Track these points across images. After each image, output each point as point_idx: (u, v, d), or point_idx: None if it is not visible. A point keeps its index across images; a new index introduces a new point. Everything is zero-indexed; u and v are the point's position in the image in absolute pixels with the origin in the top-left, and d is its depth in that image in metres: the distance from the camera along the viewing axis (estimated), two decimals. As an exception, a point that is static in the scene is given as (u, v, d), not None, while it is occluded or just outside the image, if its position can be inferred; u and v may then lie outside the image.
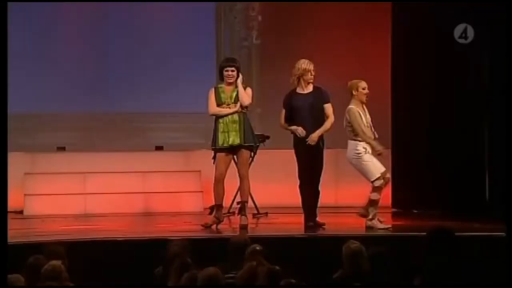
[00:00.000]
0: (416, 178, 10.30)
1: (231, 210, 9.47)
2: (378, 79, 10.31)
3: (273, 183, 10.29)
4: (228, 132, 8.30)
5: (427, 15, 10.25)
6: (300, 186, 8.39)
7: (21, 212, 9.87)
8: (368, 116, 8.34)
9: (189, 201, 10.33)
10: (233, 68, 8.38)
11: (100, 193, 10.19)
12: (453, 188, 10.08)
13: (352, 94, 8.33)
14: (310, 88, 8.41)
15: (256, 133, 9.86)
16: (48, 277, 5.10)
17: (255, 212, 9.55)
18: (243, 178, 8.37)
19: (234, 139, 8.29)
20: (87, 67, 10.73)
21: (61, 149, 10.62)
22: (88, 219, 9.57)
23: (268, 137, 9.73)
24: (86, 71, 10.74)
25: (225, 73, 8.37)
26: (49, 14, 10.68)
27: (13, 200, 9.98)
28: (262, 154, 9.53)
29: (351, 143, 8.26)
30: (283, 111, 8.47)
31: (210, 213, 8.47)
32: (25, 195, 9.95)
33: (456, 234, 5.66)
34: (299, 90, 8.42)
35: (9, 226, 8.64)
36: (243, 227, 8.27)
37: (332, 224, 8.54)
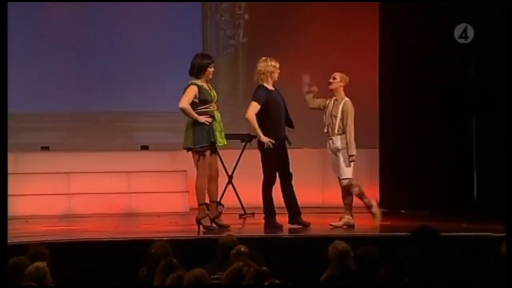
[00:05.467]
0: (404, 178, 10.34)
1: (248, 211, 9.47)
2: (365, 78, 10.37)
3: (259, 183, 10.30)
4: (220, 131, 8.30)
5: (415, 12, 10.28)
6: (269, 187, 8.34)
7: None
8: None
9: (175, 201, 10.32)
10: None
11: (84, 193, 10.17)
12: (441, 188, 10.12)
13: (341, 87, 8.42)
14: (272, 86, 8.44)
15: (242, 132, 9.92)
16: (31, 278, 5.09)
17: (242, 212, 9.57)
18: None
19: (223, 140, 8.30)
20: (71, 66, 10.73)
21: (45, 148, 10.59)
22: (73, 219, 9.56)
23: (254, 137, 9.72)
24: (71, 70, 10.74)
25: (210, 70, 8.34)
26: (34, 14, 10.67)
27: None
28: (248, 154, 9.58)
29: (341, 137, 8.32)
30: (255, 104, 8.31)
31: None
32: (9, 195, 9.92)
33: (443, 234, 5.69)
34: (268, 87, 8.41)
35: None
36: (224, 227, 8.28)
37: (318, 224, 8.57)
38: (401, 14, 10.38)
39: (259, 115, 8.31)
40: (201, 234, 8.08)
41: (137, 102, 10.76)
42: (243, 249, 5.72)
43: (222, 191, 9.55)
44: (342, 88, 8.51)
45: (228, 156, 9.69)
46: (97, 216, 9.74)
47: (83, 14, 10.74)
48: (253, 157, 9.78)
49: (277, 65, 8.41)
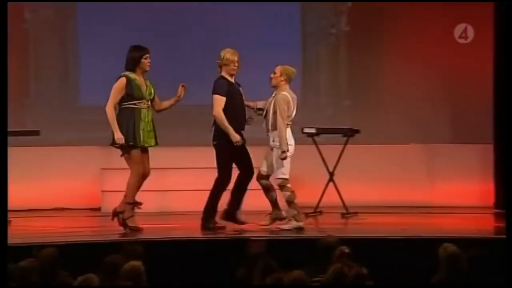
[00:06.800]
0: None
1: (317, 210, 9.54)
2: (477, 72, 10.20)
3: (362, 181, 10.30)
4: (148, 131, 8.26)
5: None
6: (222, 188, 8.31)
7: (98, 209, 10.14)
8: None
9: (254, 199, 10.38)
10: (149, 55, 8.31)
11: (179, 190, 10.35)
12: None
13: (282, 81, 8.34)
14: (232, 79, 8.37)
15: (344, 127, 9.91)
16: (126, 277, 5.24)
17: (344, 211, 9.58)
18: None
19: (151, 140, 8.31)
20: (168, 58, 10.88)
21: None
22: (167, 217, 9.76)
23: (357, 131, 9.72)
24: (166, 62, 10.89)
25: (145, 62, 8.23)
26: (117, 8, 10.87)
27: (90, 197, 10.30)
28: (350, 150, 9.56)
29: (274, 133, 8.26)
30: (222, 99, 8.19)
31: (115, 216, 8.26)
32: (102, 191, 10.23)
33: None
34: (228, 79, 8.32)
35: (86, 224, 8.98)
36: None
37: (426, 225, 8.51)
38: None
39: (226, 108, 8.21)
40: (301, 235, 8.13)
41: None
42: (346, 250, 5.76)
43: (323, 189, 9.60)
44: (284, 82, 8.36)
45: (329, 151, 9.69)
46: (192, 213, 9.89)
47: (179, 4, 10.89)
48: (356, 152, 9.81)
49: (232, 57, 8.27)
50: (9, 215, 9.32)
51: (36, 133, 9.61)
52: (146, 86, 8.29)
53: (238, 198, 8.40)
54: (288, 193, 8.31)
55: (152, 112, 8.36)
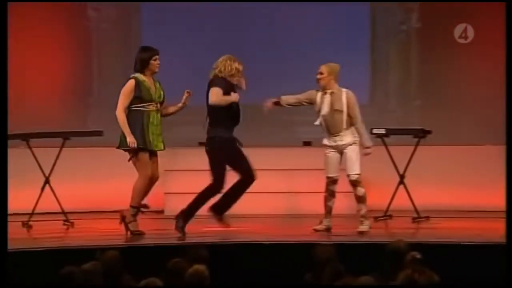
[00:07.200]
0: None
1: (387, 214, 9.46)
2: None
3: (434, 183, 10.18)
4: (158, 135, 8.25)
5: None
6: (214, 193, 8.24)
7: (162, 211, 10.20)
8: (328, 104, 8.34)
9: (339, 202, 10.33)
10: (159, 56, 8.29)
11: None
12: None
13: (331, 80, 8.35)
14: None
15: (415, 127, 9.81)
16: (192, 282, 5.25)
17: (415, 215, 9.48)
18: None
19: (160, 144, 8.31)
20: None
21: (202, 144, 10.84)
22: (231, 220, 9.76)
23: (429, 132, 9.62)
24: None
25: (154, 63, 8.22)
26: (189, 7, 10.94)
27: (153, 199, 10.34)
28: (421, 151, 9.46)
29: (351, 130, 8.28)
30: (218, 90, 8.11)
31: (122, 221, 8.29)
32: (165, 193, 10.28)
33: None
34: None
35: (149, 226, 9.03)
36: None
37: (502, 230, 8.36)
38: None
39: (217, 109, 8.13)
40: (369, 239, 8.08)
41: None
42: (418, 255, 5.69)
43: (392, 192, 9.51)
44: (334, 81, 8.38)
45: (399, 153, 9.60)
46: (256, 216, 9.92)
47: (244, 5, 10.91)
48: (428, 154, 9.71)
49: (240, 67, 8.26)
50: (73, 216, 9.50)
51: (99, 133, 9.71)
52: (156, 88, 8.30)
53: (232, 200, 8.38)
54: (363, 190, 8.35)
55: (160, 115, 8.34)
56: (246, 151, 10.57)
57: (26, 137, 9.54)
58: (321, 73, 8.42)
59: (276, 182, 10.47)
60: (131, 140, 8.13)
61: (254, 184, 8.43)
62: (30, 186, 9.63)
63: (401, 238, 6.86)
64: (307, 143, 10.99)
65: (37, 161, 9.42)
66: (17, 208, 9.90)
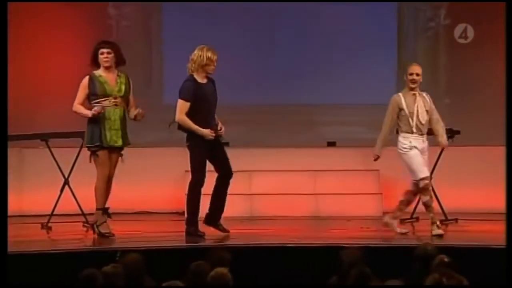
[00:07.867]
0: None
1: (414, 216, 9.47)
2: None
3: (462, 185, 10.17)
4: (116, 130, 8.21)
5: None
6: (197, 188, 8.25)
7: (183, 213, 10.24)
8: (421, 106, 8.33)
9: (366, 203, 10.36)
10: (109, 50, 8.22)
11: (266, 194, 10.40)
12: None
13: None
14: (205, 79, 8.27)
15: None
16: (214, 285, 5.28)
17: (443, 218, 9.47)
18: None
19: (119, 140, 8.24)
20: (253, 57, 10.96)
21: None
22: (254, 222, 9.82)
23: (458, 132, 9.61)
24: (252, 61, 10.98)
25: (101, 56, 8.17)
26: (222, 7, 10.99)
27: (175, 200, 10.42)
28: (450, 151, 9.44)
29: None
30: (185, 104, 8.16)
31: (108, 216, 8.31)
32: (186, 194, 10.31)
33: None
34: (198, 79, 8.24)
35: (170, 228, 9.08)
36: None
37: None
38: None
39: (190, 107, 8.17)
40: (395, 242, 8.10)
41: (323, 94, 10.84)
42: (446, 259, 5.71)
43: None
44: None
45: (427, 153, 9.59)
46: (280, 218, 9.95)
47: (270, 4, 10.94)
48: (456, 154, 9.68)
49: (213, 56, 8.19)
50: (92, 218, 9.55)
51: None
52: (117, 82, 8.27)
53: (219, 203, 8.38)
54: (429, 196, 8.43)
55: (122, 110, 8.30)
56: (270, 152, 10.66)
57: (45, 137, 9.62)
58: (418, 74, 8.46)
59: (300, 183, 10.50)
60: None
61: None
62: (48, 187, 9.71)
63: (428, 241, 6.89)
64: (331, 144, 11.01)
65: (56, 161, 9.49)
66: (35, 210, 10.02)
